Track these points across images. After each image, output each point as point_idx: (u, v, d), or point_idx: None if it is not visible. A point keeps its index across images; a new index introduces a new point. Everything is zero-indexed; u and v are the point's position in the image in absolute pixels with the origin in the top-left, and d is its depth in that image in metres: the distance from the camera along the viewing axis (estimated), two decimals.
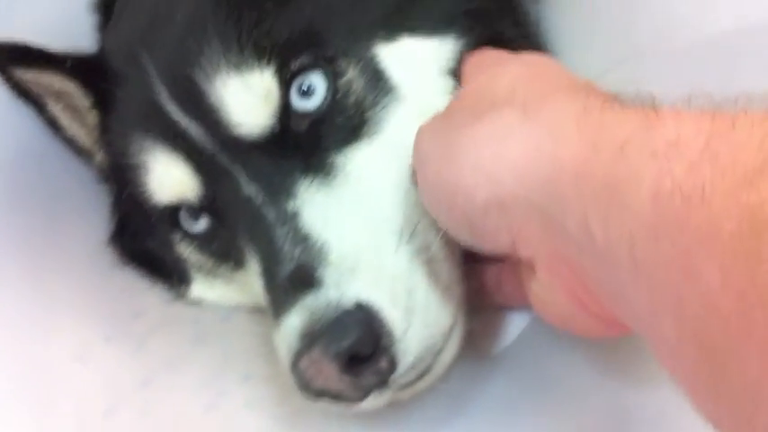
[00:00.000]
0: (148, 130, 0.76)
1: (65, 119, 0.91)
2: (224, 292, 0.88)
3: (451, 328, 0.69)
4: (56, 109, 0.90)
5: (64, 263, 0.85)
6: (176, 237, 0.83)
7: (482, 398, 0.77)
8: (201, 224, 0.80)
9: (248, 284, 0.81)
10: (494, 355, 0.81)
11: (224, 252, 0.81)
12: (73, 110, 0.90)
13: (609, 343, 0.67)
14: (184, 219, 0.80)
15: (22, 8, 0.87)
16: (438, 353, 0.68)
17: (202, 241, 0.82)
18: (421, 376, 0.68)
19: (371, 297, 0.64)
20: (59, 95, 0.89)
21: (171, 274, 0.89)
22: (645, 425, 0.65)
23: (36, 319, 0.79)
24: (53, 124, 0.91)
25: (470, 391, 0.76)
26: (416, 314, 0.65)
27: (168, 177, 0.76)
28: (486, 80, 0.60)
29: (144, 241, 0.88)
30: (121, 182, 0.83)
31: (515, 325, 0.80)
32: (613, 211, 0.43)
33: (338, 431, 0.74)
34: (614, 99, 0.48)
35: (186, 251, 0.84)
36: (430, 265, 0.68)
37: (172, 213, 0.80)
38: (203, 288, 0.89)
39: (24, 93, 0.88)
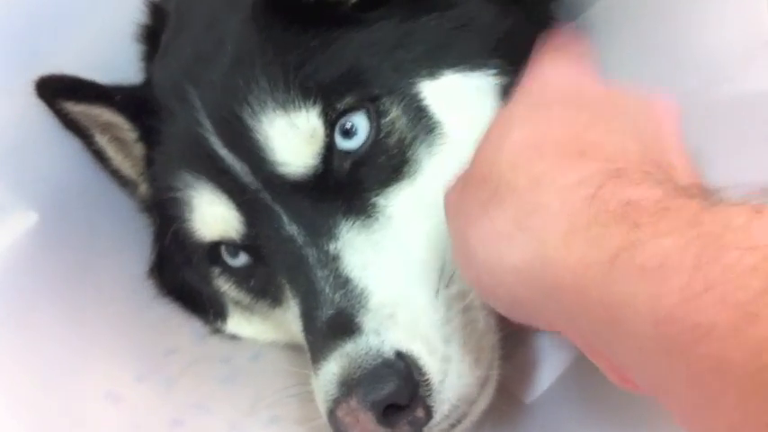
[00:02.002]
0: (193, 165, 0.77)
1: (111, 150, 0.92)
2: (260, 328, 0.89)
3: (486, 377, 0.68)
4: (103, 141, 0.91)
5: (98, 300, 0.86)
6: (215, 271, 0.84)
7: None
8: (241, 260, 0.80)
9: (285, 322, 0.81)
10: (528, 402, 0.79)
11: (262, 289, 0.81)
12: (119, 142, 0.91)
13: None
14: (225, 254, 0.81)
15: (68, 36, 0.87)
16: (472, 403, 0.67)
17: (241, 277, 0.82)
18: (454, 425, 0.67)
19: (410, 346, 0.64)
20: (106, 127, 0.90)
21: (207, 309, 0.90)
22: None
23: (68, 356, 0.79)
24: (99, 156, 0.92)
25: None
26: (453, 363, 0.65)
27: (212, 215, 0.77)
28: (491, 150, 0.57)
29: (183, 274, 0.89)
30: (164, 216, 0.84)
31: (549, 373, 0.79)
32: (618, 332, 0.42)
33: None
34: (604, 195, 0.47)
35: (224, 286, 0.85)
36: (467, 313, 0.68)
37: (212, 249, 0.81)
38: (240, 323, 0.90)
39: (73, 125, 0.89)
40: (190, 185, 0.78)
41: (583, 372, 0.75)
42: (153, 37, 0.91)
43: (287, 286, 0.75)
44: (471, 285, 0.58)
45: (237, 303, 0.88)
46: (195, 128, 0.76)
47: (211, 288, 0.87)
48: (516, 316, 0.55)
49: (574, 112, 0.57)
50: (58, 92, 0.86)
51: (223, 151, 0.74)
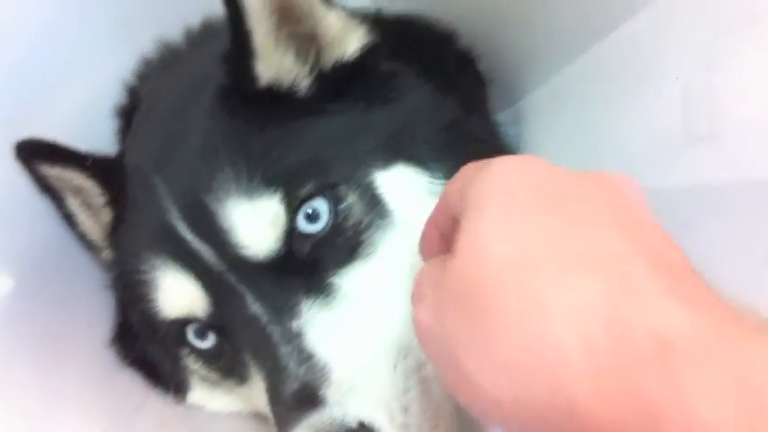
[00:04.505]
0: (159, 249, 0.80)
1: (81, 214, 0.96)
2: (224, 400, 0.92)
3: None
4: (74, 204, 0.96)
5: (70, 360, 0.89)
6: (184, 351, 0.87)
7: None
8: (209, 341, 0.83)
9: (251, 396, 0.84)
10: None
11: (230, 368, 0.84)
12: (88, 206, 0.96)
13: None
14: (191, 335, 0.83)
15: (46, 107, 0.93)
16: None
17: (209, 357, 0.85)
18: None
19: (371, 416, 0.68)
20: (78, 191, 0.94)
21: (168, 383, 0.93)
22: None
23: (40, 416, 0.81)
24: (69, 218, 0.97)
25: None
26: (412, 431, 0.69)
27: (177, 294, 0.80)
28: (468, 269, 0.49)
29: (145, 348, 0.92)
30: (129, 293, 0.86)
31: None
32: None
33: None
34: (626, 320, 0.42)
35: (194, 365, 0.88)
36: (424, 383, 0.72)
37: (179, 329, 0.83)
38: (202, 396, 0.93)
39: (47, 187, 0.94)
40: (156, 267, 0.80)
41: None
42: (128, 115, 0.96)
43: (252, 362, 0.78)
44: (476, 414, 0.51)
45: (204, 379, 0.90)
46: (161, 214, 0.79)
47: (176, 365, 0.90)
48: None
49: (548, 215, 0.49)
50: (36, 154, 0.90)
51: (189, 235, 0.77)
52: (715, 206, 0.69)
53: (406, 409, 0.70)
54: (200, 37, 1.04)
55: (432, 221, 0.63)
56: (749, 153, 0.66)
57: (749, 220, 0.65)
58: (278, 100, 0.83)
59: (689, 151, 0.69)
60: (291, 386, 0.72)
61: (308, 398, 0.70)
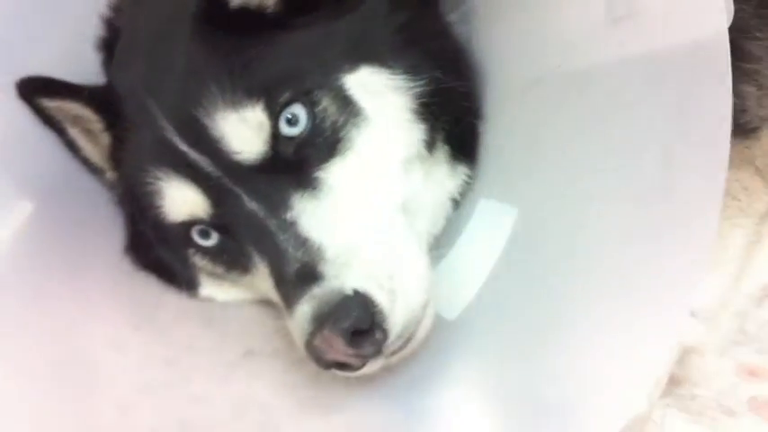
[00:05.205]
0: (161, 162, 0.90)
1: (81, 141, 1.05)
2: (231, 291, 1.04)
3: (426, 303, 0.85)
4: (74, 132, 1.04)
5: (96, 266, 1.00)
6: (191, 251, 0.98)
7: (449, 359, 0.93)
8: (212, 239, 0.93)
9: (254, 284, 0.96)
10: (451, 319, 0.96)
11: (233, 261, 0.95)
12: (88, 132, 1.04)
13: None
14: (196, 235, 0.94)
15: (41, 46, 1.01)
16: (418, 323, 0.85)
17: (214, 254, 0.96)
18: (408, 340, 0.84)
19: (364, 285, 0.80)
20: (77, 120, 1.03)
21: (180, 281, 1.04)
22: None
23: (74, 314, 0.93)
24: (72, 146, 1.05)
25: (439, 355, 0.93)
26: (398, 294, 0.82)
27: (181, 200, 0.90)
28: None
29: (156, 253, 1.02)
30: (137, 205, 0.96)
31: (468, 291, 0.96)
32: None
33: (344, 390, 0.90)
34: None
35: (201, 262, 0.99)
36: (405, 254, 0.85)
37: (185, 231, 0.93)
38: (211, 289, 1.05)
39: (48, 119, 1.02)
40: (160, 178, 0.90)
41: (498, 288, 0.94)
42: (109, 47, 1.04)
43: (254, 253, 0.89)
44: None
45: (211, 274, 1.01)
46: (158, 132, 0.88)
47: (185, 264, 1.01)
48: None
49: None
50: (36, 90, 0.99)
51: (186, 148, 0.87)
52: (640, 75, 0.79)
53: (391, 278, 0.82)
54: None
55: None
56: (667, 24, 0.75)
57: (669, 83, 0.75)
58: (250, 20, 0.91)
59: (612, 29, 0.78)
60: (293, 267, 0.83)
61: (309, 274, 0.81)
